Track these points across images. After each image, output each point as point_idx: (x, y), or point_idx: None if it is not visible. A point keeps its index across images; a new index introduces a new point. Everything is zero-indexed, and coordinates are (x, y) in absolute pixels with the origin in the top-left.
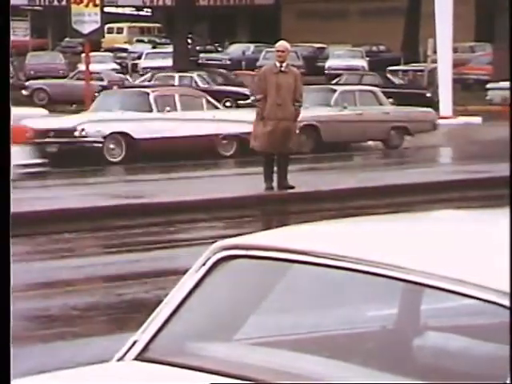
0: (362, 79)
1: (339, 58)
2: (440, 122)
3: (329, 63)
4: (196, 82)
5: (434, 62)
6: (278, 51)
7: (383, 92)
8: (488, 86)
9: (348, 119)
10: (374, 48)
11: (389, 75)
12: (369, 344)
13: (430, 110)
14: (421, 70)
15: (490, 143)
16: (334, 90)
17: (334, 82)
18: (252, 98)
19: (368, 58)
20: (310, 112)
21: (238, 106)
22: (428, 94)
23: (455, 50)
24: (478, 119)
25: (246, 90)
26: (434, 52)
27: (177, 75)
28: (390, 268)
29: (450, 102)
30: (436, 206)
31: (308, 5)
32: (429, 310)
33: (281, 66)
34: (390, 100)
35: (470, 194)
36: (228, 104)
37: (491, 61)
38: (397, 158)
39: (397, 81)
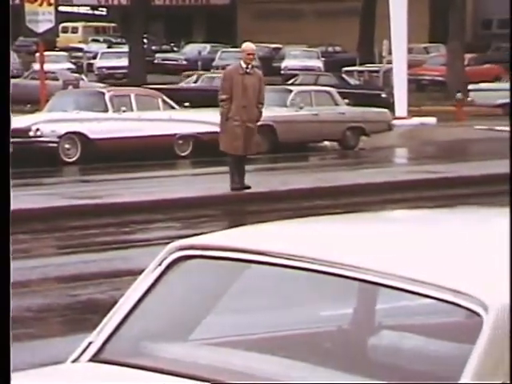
0: (318, 80)
1: (295, 58)
2: (395, 122)
3: (285, 63)
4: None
5: (389, 62)
6: (245, 53)
7: (339, 92)
8: (469, 87)
9: (304, 119)
10: (330, 49)
11: (344, 76)
12: (325, 344)
13: (385, 110)
14: (376, 71)
15: (445, 143)
16: (290, 91)
17: (289, 82)
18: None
19: (324, 59)
20: (267, 112)
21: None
22: (383, 95)
23: (410, 51)
24: (432, 120)
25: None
26: (389, 53)
27: (203, 75)
28: (346, 268)
29: (405, 102)
30: (391, 206)
31: (264, 5)
32: (384, 310)
33: (247, 68)
34: (346, 100)
35: (425, 194)
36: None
37: (445, 62)
38: (352, 158)
39: (352, 81)
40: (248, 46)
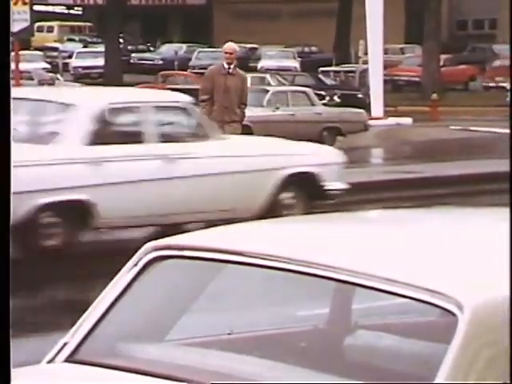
0: (295, 80)
1: (271, 58)
2: (371, 122)
3: (261, 64)
4: (269, 82)
5: (365, 63)
6: (226, 53)
7: (315, 93)
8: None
9: (280, 119)
10: (306, 49)
11: (321, 76)
12: (301, 343)
13: (361, 110)
14: (352, 71)
15: (421, 144)
16: (267, 91)
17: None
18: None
19: (300, 59)
20: None
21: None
22: (359, 95)
23: (386, 52)
24: (408, 120)
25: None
26: (365, 53)
27: (249, 76)
28: (322, 268)
29: (381, 102)
30: (368, 206)
31: (240, 5)
32: (360, 309)
33: (229, 68)
34: (325, 100)
35: (401, 193)
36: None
37: (421, 62)
38: None
39: (329, 82)
40: (229, 45)
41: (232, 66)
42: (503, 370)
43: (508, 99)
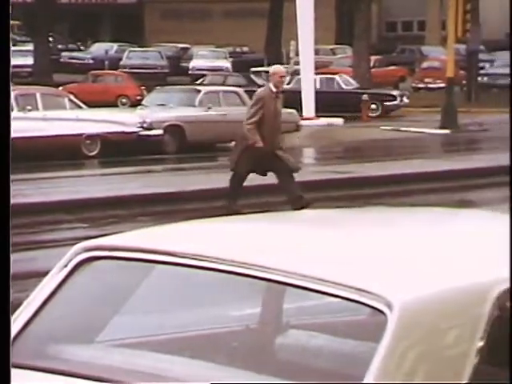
0: (226, 80)
1: (203, 58)
2: (303, 122)
3: (193, 63)
4: (339, 84)
5: (297, 63)
6: (280, 76)
7: (247, 93)
8: None
9: (212, 119)
10: (238, 49)
11: (252, 76)
12: (232, 343)
13: (292, 111)
14: None
15: (352, 144)
16: (199, 91)
17: (198, 82)
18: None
19: (232, 59)
20: (175, 112)
21: (387, 110)
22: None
23: (317, 53)
24: (339, 120)
25: (393, 91)
26: (297, 54)
27: (318, 77)
28: (253, 268)
29: (312, 103)
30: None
31: (171, 4)
32: (291, 309)
33: (277, 92)
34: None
35: (332, 194)
36: (373, 106)
37: (351, 63)
38: None
39: (260, 82)
40: (280, 68)
41: (280, 90)
42: (432, 369)
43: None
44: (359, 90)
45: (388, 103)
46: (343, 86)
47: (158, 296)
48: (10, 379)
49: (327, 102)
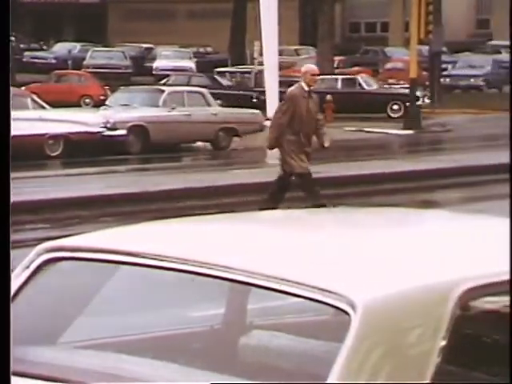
0: (190, 80)
1: (167, 58)
2: (267, 123)
3: (156, 64)
4: (361, 84)
5: (261, 64)
6: (312, 74)
7: (211, 93)
8: None
9: (176, 120)
10: (202, 49)
11: (216, 77)
12: (196, 344)
13: (257, 111)
14: (248, 72)
15: (316, 144)
16: (163, 91)
17: (162, 82)
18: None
19: (196, 59)
20: (139, 112)
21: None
22: (255, 96)
23: (281, 53)
24: None
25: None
26: (261, 54)
27: (339, 77)
28: (216, 268)
29: (276, 103)
30: (263, 206)
31: (135, 4)
32: (255, 309)
33: (309, 91)
34: (218, 101)
35: (296, 194)
36: (395, 107)
37: (315, 64)
38: (225, 159)
39: (225, 82)
40: (313, 67)
41: (312, 89)
42: (395, 368)
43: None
44: (381, 91)
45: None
46: (365, 87)
47: (121, 297)
48: (9, 379)
49: (348, 103)
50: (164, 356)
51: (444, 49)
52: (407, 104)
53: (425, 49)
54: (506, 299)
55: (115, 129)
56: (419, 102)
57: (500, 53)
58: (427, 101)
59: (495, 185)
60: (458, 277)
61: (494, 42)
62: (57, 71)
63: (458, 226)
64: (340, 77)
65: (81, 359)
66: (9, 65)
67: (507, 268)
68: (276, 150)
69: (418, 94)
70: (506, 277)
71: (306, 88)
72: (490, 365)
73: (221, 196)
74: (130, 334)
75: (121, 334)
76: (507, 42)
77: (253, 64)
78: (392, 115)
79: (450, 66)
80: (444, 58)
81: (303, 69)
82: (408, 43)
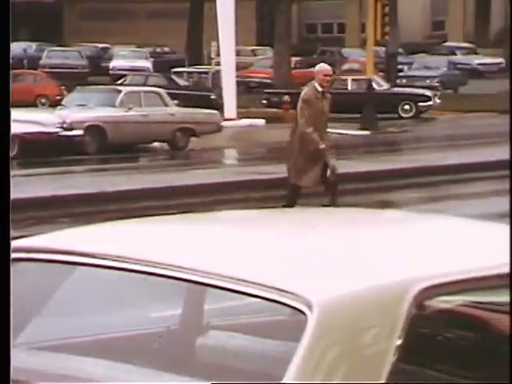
0: (147, 80)
1: (123, 58)
2: (224, 123)
3: (113, 63)
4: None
5: (218, 64)
6: (325, 75)
7: (168, 93)
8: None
9: (133, 120)
10: (159, 49)
11: (174, 77)
12: (152, 345)
13: (214, 111)
14: (205, 73)
15: (274, 145)
16: (119, 91)
17: (118, 82)
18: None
19: (152, 59)
20: (95, 112)
21: (421, 111)
22: (212, 96)
23: (238, 54)
24: (261, 121)
25: (426, 91)
26: (218, 55)
27: (349, 78)
28: (173, 268)
29: (234, 104)
30: (220, 206)
31: (91, 4)
32: (212, 310)
33: (323, 92)
34: (175, 101)
35: (253, 194)
36: (407, 107)
37: (272, 64)
38: (182, 159)
39: (182, 82)
40: (326, 67)
41: (325, 89)
42: (351, 368)
43: None
44: (392, 91)
45: (422, 104)
46: (375, 87)
47: (78, 298)
48: (9, 379)
49: (359, 103)
50: (120, 357)
51: (400, 50)
52: (419, 104)
53: (381, 50)
54: (460, 298)
55: (71, 129)
56: (430, 102)
57: (455, 54)
58: (438, 101)
59: (453, 185)
60: (414, 276)
61: (448, 44)
62: (12, 71)
63: (415, 226)
64: (350, 77)
65: (36, 360)
66: (9, 65)
67: (462, 267)
68: (233, 151)
69: (429, 94)
70: (461, 276)
71: (320, 89)
72: (446, 363)
73: (179, 196)
74: (86, 335)
75: (77, 335)
76: (462, 44)
77: (210, 64)
78: (403, 115)
79: (406, 67)
80: (400, 59)
81: (316, 69)
82: (364, 44)
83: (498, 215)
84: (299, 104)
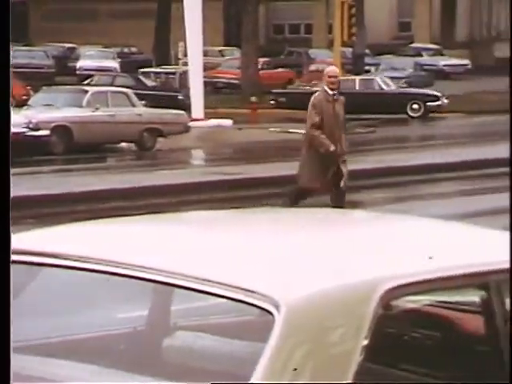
0: (115, 80)
1: (90, 58)
2: (192, 124)
3: (80, 63)
4: (380, 85)
5: (185, 64)
6: (330, 77)
7: (135, 94)
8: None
9: (100, 120)
10: (126, 49)
11: (141, 77)
12: (118, 346)
13: (182, 112)
14: (173, 73)
15: (241, 145)
16: (86, 91)
17: (85, 82)
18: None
19: (120, 60)
20: (62, 113)
21: (430, 111)
22: (180, 97)
23: (205, 54)
24: (228, 122)
25: (435, 92)
26: (185, 55)
27: (357, 78)
28: (139, 269)
29: (201, 104)
30: (188, 207)
31: (57, 4)
32: (179, 310)
33: (334, 94)
34: (143, 102)
35: (220, 195)
36: (415, 106)
37: (240, 65)
38: (150, 159)
39: (149, 83)
40: (332, 69)
41: (336, 92)
42: (318, 367)
43: None
44: (400, 91)
45: (430, 104)
46: (383, 87)
47: (44, 299)
48: (9, 379)
49: (366, 104)
50: (86, 358)
51: (367, 51)
52: (427, 104)
53: (348, 51)
54: (426, 298)
55: (38, 129)
56: (439, 102)
57: (421, 55)
58: (446, 101)
59: (419, 185)
60: (380, 276)
61: (415, 45)
62: None
63: (381, 226)
64: (358, 77)
65: None
66: (9, 64)
67: (429, 267)
68: (200, 151)
69: (438, 94)
70: (427, 276)
71: (330, 92)
72: (412, 363)
73: (147, 197)
74: (51, 336)
75: (42, 337)
76: (428, 45)
77: (177, 64)
78: (412, 115)
79: (372, 68)
80: (367, 60)
81: (325, 71)
82: (331, 45)
83: (462, 215)
84: (308, 108)
